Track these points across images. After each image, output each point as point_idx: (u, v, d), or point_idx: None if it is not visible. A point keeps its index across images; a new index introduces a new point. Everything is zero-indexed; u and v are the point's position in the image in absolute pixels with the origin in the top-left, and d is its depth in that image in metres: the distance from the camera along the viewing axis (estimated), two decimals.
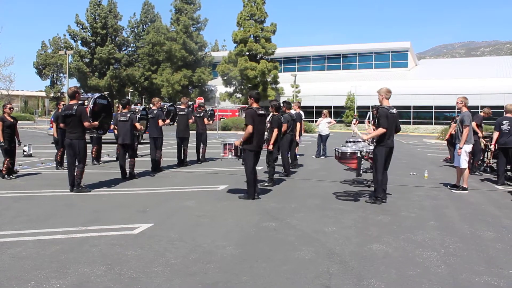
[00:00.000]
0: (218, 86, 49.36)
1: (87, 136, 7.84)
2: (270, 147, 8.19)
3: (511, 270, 3.85)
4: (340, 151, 7.08)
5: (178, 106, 11.49)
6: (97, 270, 3.64)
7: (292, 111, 10.79)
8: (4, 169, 8.49)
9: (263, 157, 7.71)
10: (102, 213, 5.72)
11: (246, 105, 34.42)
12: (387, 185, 6.82)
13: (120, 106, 9.42)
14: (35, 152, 13.02)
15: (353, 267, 3.84)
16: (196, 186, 7.93)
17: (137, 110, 11.24)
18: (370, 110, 18.49)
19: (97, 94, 8.74)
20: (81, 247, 4.25)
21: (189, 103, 11.58)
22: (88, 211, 5.82)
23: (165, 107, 11.06)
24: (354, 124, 26.49)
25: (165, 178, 8.99)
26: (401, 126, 7.74)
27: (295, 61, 54.37)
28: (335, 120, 22.49)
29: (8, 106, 8.95)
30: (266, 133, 7.76)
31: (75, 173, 7.17)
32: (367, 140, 7.30)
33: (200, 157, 11.70)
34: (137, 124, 8.78)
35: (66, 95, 40.23)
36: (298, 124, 10.69)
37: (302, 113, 11.55)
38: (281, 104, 9.58)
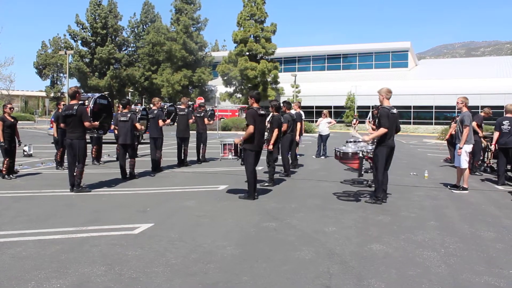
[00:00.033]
0: (218, 86, 49.35)
1: (87, 136, 7.84)
2: (270, 147, 8.19)
3: (511, 270, 3.85)
4: (342, 151, 7.07)
5: (178, 106, 11.49)
6: (97, 270, 3.64)
7: (292, 111, 10.79)
8: (4, 169, 8.50)
9: (263, 157, 7.71)
10: (102, 213, 5.72)
11: (246, 105, 34.46)
12: (387, 185, 6.82)
13: (121, 106, 9.43)
14: (35, 152, 13.02)
15: (353, 267, 3.84)
16: (196, 186, 7.93)
17: (137, 110, 11.26)
18: (370, 110, 18.50)
19: (97, 94, 8.75)
20: (81, 247, 4.25)
21: (189, 103, 11.58)
22: (88, 211, 5.82)
23: (165, 107, 11.07)
24: (354, 124, 26.51)
25: (165, 178, 8.99)
26: (402, 126, 7.75)
27: (295, 61, 54.36)
28: (335, 120, 22.48)
29: (9, 106, 8.96)
30: (266, 133, 7.76)
31: (74, 173, 7.17)
32: (369, 141, 7.27)
33: (200, 157, 11.70)
34: (138, 124, 8.78)
35: (66, 95, 40.33)
36: (298, 124, 10.68)
37: (302, 113, 11.54)
38: (281, 104, 9.58)
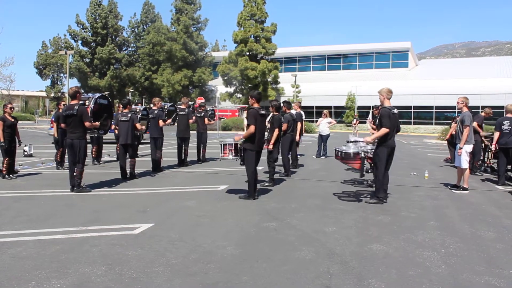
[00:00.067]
0: (218, 86, 49.36)
1: (87, 136, 7.85)
2: (270, 147, 8.19)
3: (511, 270, 3.85)
4: (343, 151, 7.06)
5: (179, 106, 11.49)
6: (97, 270, 3.64)
7: (293, 111, 10.79)
8: (4, 169, 8.50)
9: (263, 157, 7.71)
10: (103, 213, 5.72)
11: (246, 105, 34.44)
12: (387, 185, 6.82)
13: (121, 106, 9.43)
14: (36, 152, 13.03)
15: (354, 267, 3.84)
16: (196, 186, 7.93)
17: (137, 110, 11.26)
18: (371, 110, 18.50)
19: (97, 94, 8.76)
20: (81, 247, 4.25)
21: (190, 103, 11.59)
22: (89, 211, 5.82)
23: (165, 107, 11.07)
24: (355, 124, 26.52)
25: (166, 178, 8.99)
26: (402, 126, 7.76)
27: (296, 61, 54.38)
28: (336, 120, 22.48)
29: (9, 106, 8.97)
30: (266, 133, 7.76)
31: (74, 173, 7.17)
32: (371, 142, 7.23)
33: (201, 157, 11.71)
34: (138, 125, 8.78)
35: (66, 95, 40.33)
36: (298, 124, 10.69)
37: (302, 113, 11.55)
38: (282, 104, 9.58)
